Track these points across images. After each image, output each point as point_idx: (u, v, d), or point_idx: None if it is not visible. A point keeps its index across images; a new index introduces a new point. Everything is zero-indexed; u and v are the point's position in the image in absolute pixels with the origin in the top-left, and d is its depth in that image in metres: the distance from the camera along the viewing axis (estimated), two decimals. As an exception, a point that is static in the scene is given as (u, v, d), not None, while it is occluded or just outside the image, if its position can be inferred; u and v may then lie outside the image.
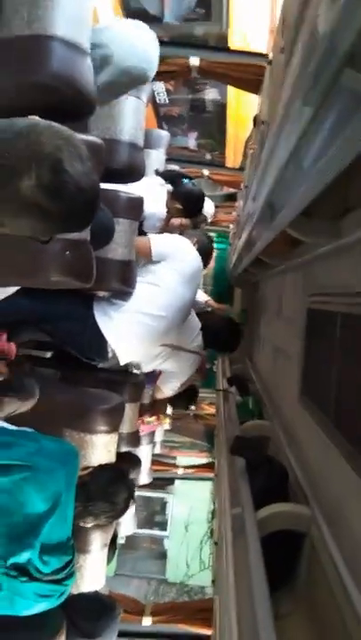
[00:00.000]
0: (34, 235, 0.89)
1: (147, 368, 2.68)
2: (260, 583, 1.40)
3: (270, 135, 1.23)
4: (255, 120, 2.32)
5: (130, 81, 1.67)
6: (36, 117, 0.87)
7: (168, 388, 2.98)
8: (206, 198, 4.74)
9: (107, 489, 1.70)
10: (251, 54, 2.44)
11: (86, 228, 0.97)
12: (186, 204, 2.92)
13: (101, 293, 2.31)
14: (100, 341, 2.19)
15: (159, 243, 2.33)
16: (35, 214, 0.82)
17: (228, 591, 1.42)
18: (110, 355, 2.24)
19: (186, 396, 3.38)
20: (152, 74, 1.69)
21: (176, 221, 2.80)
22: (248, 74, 2.43)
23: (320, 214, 1.70)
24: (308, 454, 2.17)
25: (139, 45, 1.63)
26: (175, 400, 3.25)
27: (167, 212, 2.96)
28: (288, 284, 3.33)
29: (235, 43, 4.97)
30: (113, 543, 2.30)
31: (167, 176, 3.04)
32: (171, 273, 2.30)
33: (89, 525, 1.72)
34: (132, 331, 2.24)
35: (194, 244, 2.56)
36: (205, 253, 2.69)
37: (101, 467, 1.86)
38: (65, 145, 0.83)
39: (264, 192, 1.55)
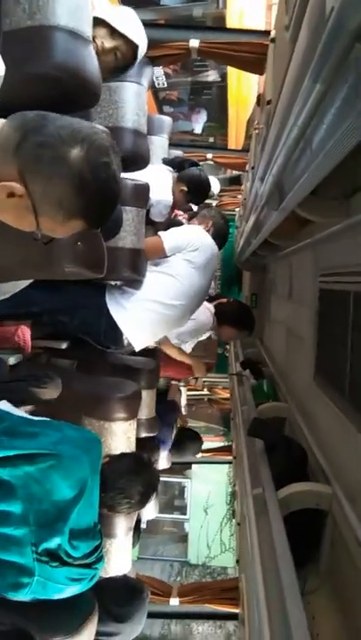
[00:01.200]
0: (52, 208, 0.90)
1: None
2: (285, 561, 1.43)
3: (277, 114, 1.22)
4: (259, 99, 2.30)
5: None
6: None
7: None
8: (212, 177, 4.72)
9: (120, 480, 1.69)
10: (253, 32, 2.40)
11: (97, 226, 1.00)
12: (191, 188, 2.90)
13: (113, 282, 2.32)
14: (115, 330, 2.20)
15: (170, 238, 2.33)
16: (70, 181, 0.87)
17: (254, 570, 1.45)
18: (125, 342, 2.26)
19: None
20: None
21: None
22: (249, 53, 2.39)
23: (329, 193, 1.69)
24: (326, 433, 2.19)
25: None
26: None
27: (173, 198, 2.95)
28: (298, 265, 3.32)
29: (232, 22, 4.89)
30: (137, 528, 2.34)
31: (175, 163, 3.02)
32: (184, 263, 2.30)
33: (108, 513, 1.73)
34: (145, 319, 2.25)
35: (209, 228, 2.55)
36: (222, 235, 2.67)
37: (120, 456, 1.86)
38: (112, 146, 0.94)
39: (272, 173, 1.54)
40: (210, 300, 3.78)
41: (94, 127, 0.94)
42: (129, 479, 1.70)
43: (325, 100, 0.81)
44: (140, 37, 1.84)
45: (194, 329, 2.88)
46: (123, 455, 1.86)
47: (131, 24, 1.82)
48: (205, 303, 2.91)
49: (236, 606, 2.44)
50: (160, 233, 2.35)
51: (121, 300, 2.20)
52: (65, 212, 0.91)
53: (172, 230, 2.47)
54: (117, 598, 1.74)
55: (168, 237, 2.33)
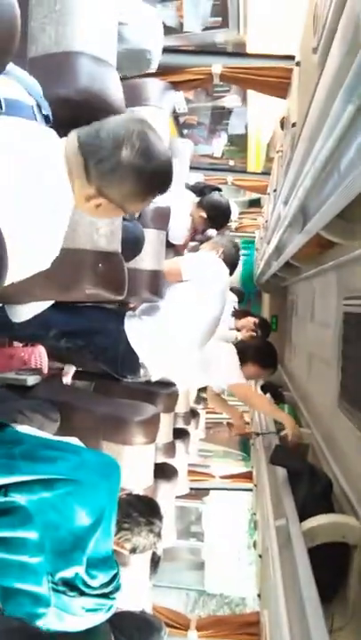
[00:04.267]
0: (132, 199, 1.10)
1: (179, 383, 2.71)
2: (311, 597, 1.36)
3: (304, 136, 1.20)
4: (282, 123, 2.29)
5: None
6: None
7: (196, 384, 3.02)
8: (230, 201, 4.74)
9: (123, 521, 1.67)
10: (277, 57, 2.42)
11: (167, 189, 1.16)
12: (212, 214, 2.90)
13: (131, 310, 2.32)
14: (132, 356, 2.19)
15: (189, 264, 2.33)
16: (134, 176, 1.05)
17: (278, 606, 1.38)
18: (142, 372, 2.24)
19: None
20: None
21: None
22: (272, 77, 2.41)
23: (355, 215, 1.66)
24: (352, 461, 2.11)
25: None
26: None
27: (192, 222, 2.95)
28: (321, 287, 3.28)
29: (253, 47, 4.96)
30: (155, 561, 2.28)
31: (197, 189, 3.04)
32: (200, 292, 2.29)
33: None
34: (163, 347, 2.23)
35: (220, 255, 2.54)
36: (232, 262, 2.67)
37: (138, 498, 1.83)
38: (143, 123, 1.09)
39: (298, 195, 1.52)
40: (236, 314, 3.76)
41: (129, 120, 1.09)
42: (134, 523, 1.68)
43: (357, 121, 0.79)
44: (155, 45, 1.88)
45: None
46: (140, 498, 1.83)
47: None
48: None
49: (256, 642, 2.34)
50: (179, 258, 2.35)
51: (141, 329, 2.19)
52: (139, 195, 1.11)
53: (191, 256, 2.47)
54: (133, 636, 1.66)
55: (187, 263, 2.33)
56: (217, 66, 2.59)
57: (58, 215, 1.05)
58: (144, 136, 1.07)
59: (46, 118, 1.10)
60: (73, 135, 1.08)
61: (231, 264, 2.63)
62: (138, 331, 2.18)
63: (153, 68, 2.22)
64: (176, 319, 2.25)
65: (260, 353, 2.86)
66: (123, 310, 2.30)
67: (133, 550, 1.72)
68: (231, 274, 2.66)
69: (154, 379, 2.32)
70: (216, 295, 2.34)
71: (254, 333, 3.68)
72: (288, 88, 2.21)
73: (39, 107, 1.08)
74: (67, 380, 2.48)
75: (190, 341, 2.31)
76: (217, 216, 2.93)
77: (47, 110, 1.11)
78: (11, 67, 1.11)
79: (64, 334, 2.18)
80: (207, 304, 2.32)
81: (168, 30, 4.90)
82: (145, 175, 1.07)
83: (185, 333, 2.28)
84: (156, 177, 1.10)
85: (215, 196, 2.95)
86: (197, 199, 2.97)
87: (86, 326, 2.16)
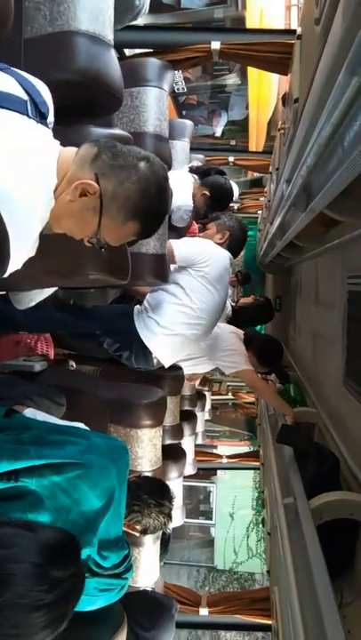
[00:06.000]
0: (120, 208, 1.04)
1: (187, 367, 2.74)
2: (320, 573, 1.37)
3: (306, 112, 1.18)
4: (284, 99, 2.25)
5: None
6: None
7: (201, 368, 3.02)
8: (232, 182, 4.68)
9: (133, 504, 1.69)
10: (277, 32, 2.36)
11: (153, 231, 1.13)
12: (214, 194, 2.86)
13: (137, 306, 2.33)
14: (145, 352, 2.25)
15: (182, 247, 2.30)
16: (140, 185, 1.03)
17: (288, 583, 1.40)
18: (155, 361, 2.29)
19: None
20: None
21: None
22: (272, 53, 2.35)
23: (359, 193, 1.63)
24: (359, 439, 2.12)
25: None
26: None
27: (193, 202, 2.90)
28: (325, 266, 3.25)
29: (252, 23, 4.85)
30: (165, 541, 2.32)
31: (200, 171, 2.99)
32: (199, 280, 2.28)
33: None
34: (173, 341, 2.28)
35: (225, 240, 2.51)
36: (239, 243, 2.63)
37: (149, 480, 1.86)
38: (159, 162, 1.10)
39: (301, 173, 1.49)
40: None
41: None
42: (142, 505, 1.70)
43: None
44: None
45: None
46: (150, 480, 1.85)
47: None
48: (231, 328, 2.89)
49: (266, 617, 2.38)
50: (171, 240, 2.31)
51: (151, 327, 2.24)
52: (127, 212, 1.04)
53: (185, 240, 2.43)
54: (145, 615, 1.70)
55: (180, 246, 2.29)
56: (216, 43, 2.52)
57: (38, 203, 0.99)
58: (164, 170, 1.10)
59: (42, 115, 1.04)
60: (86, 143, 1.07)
61: (238, 246, 2.61)
62: (149, 330, 2.23)
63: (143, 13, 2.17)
64: (182, 315, 2.26)
65: (263, 348, 2.84)
66: (130, 308, 2.32)
67: (144, 532, 1.74)
68: (236, 256, 2.64)
69: (167, 366, 2.36)
70: (215, 280, 2.32)
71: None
72: (289, 64, 2.16)
73: (34, 103, 1.03)
74: (72, 365, 2.50)
75: (198, 333, 2.33)
76: (220, 195, 2.88)
77: (45, 108, 1.06)
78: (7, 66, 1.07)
79: (76, 336, 2.23)
80: (207, 291, 2.30)
81: (166, 8, 4.80)
82: (147, 193, 1.04)
83: (193, 325, 2.28)
84: (152, 204, 1.06)
85: (219, 177, 2.91)
86: (199, 180, 2.93)
87: (97, 327, 2.22)
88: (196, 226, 3.24)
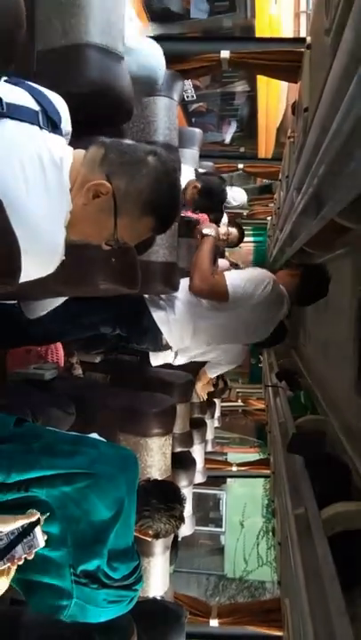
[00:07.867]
0: (135, 203, 1.03)
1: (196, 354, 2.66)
2: (332, 585, 1.36)
3: (317, 121, 1.18)
4: (293, 108, 2.25)
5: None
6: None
7: (212, 372, 2.97)
8: (238, 188, 4.68)
9: (143, 509, 1.66)
10: (287, 40, 2.37)
11: (169, 223, 1.13)
12: (205, 188, 2.86)
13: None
14: (156, 332, 2.16)
15: (236, 283, 2.11)
16: (151, 180, 1.03)
17: (299, 594, 1.39)
18: (164, 342, 2.21)
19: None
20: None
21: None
22: (282, 61, 2.36)
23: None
24: (371, 449, 2.10)
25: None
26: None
27: (185, 193, 2.90)
28: (335, 273, 3.23)
29: (261, 31, 4.88)
30: (174, 545, 2.30)
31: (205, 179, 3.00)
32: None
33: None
34: (186, 330, 2.18)
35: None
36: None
37: (160, 483, 1.83)
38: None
39: (311, 181, 1.49)
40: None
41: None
42: (152, 510, 1.67)
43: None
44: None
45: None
46: (158, 484, 1.82)
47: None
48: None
49: (277, 629, 2.35)
50: (225, 273, 2.18)
51: (168, 313, 2.16)
52: (141, 206, 1.04)
53: (238, 273, 2.28)
54: (155, 624, 1.68)
55: (233, 280, 2.13)
56: (225, 52, 2.54)
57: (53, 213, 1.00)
58: (172, 162, 1.09)
59: (54, 124, 1.05)
60: (100, 138, 1.08)
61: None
62: (165, 314, 2.15)
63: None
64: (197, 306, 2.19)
65: (306, 291, 2.40)
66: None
67: (156, 536, 1.70)
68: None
69: (175, 349, 2.29)
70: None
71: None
72: (298, 72, 2.16)
73: (45, 113, 1.03)
74: (77, 372, 2.50)
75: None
76: (209, 189, 2.89)
77: (57, 117, 1.06)
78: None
79: (90, 326, 2.16)
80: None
81: (174, 17, 4.83)
82: (159, 186, 1.04)
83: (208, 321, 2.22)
84: (165, 196, 1.06)
85: (215, 178, 2.94)
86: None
87: (109, 311, 2.10)
88: (205, 216, 3.23)
